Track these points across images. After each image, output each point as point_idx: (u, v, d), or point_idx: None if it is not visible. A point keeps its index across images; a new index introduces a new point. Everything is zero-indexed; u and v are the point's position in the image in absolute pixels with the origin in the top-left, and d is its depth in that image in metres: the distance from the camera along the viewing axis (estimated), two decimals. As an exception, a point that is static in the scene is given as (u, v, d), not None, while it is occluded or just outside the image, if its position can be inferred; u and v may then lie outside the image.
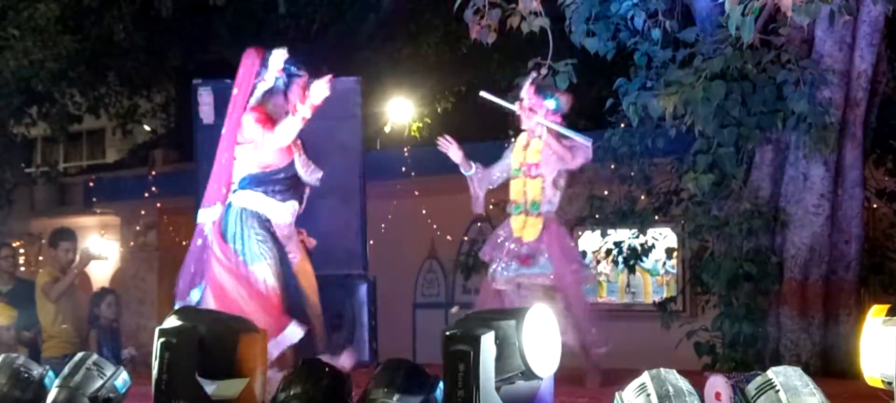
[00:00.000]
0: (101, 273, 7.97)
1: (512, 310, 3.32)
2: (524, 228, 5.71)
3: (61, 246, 7.36)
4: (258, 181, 5.18)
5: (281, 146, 5.18)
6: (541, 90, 5.78)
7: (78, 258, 7.34)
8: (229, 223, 5.16)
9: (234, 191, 5.20)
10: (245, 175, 5.19)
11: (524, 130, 5.82)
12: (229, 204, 5.19)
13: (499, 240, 5.86)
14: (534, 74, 5.90)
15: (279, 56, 5.21)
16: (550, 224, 5.74)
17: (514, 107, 5.79)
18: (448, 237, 11.34)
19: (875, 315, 3.13)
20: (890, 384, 3.01)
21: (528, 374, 3.24)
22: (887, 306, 3.13)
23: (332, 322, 6.36)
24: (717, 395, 3.79)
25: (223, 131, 5.28)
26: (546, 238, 5.70)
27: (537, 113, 5.69)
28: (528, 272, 5.69)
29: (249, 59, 5.23)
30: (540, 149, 5.70)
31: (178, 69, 12.44)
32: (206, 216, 5.23)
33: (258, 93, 5.19)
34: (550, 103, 5.74)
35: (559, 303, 5.49)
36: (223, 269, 5.11)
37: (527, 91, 5.74)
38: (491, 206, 10.88)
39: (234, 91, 5.22)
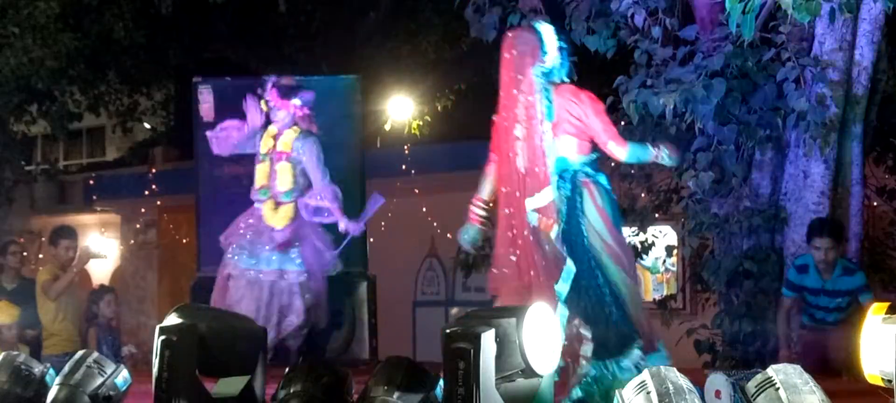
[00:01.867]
0: (101, 271, 7.96)
1: (512, 308, 3.32)
2: (276, 216, 5.84)
3: (61, 244, 7.35)
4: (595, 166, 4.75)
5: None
6: (282, 92, 5.91)
7: (77, 258, 7.33)
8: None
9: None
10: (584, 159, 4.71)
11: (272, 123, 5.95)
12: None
13: (245, 227, 5.92)
14: (274, 77, 6.01)
15: (551, 30, 4.77)
16: (308, 221, 5.93)
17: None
18: (448, 235, 11.32)
19: (875, 313, 3.13)
20: (890, 382, 3.02)
21: (528, 372, 3.24)
22: (887, 304, 3.14)
23: (333, 320, 6.37)
24: (717, 393, 3.81)
25: (523, 113, 4.70)
26: (298, 232, 5.87)
27: (286, 111, 5.88)
28: (273, 267, 5.80)
29: (528, 38, 4.72)
30: (291, 140, 5.87)
31: (177, 67, 12.46)
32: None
33: (538, 72, 4.68)
34: (296, 101, 5.92)
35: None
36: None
37: (269, 93, 5.90)
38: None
39: (519, 77, 4.69)
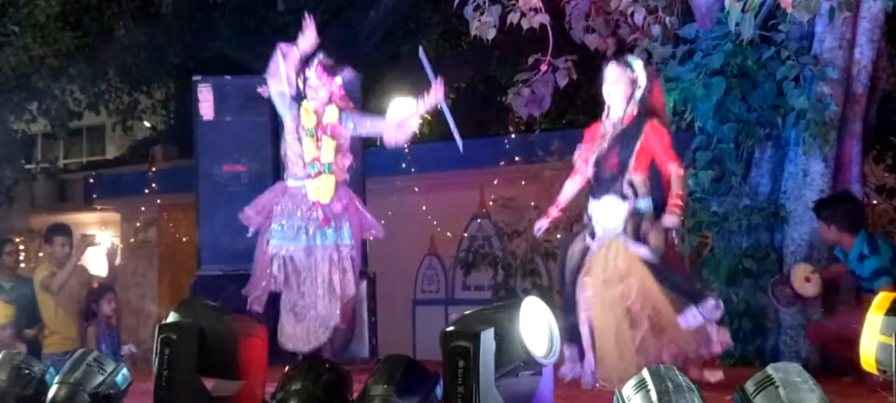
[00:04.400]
0: (100, 270, 7.95)
1: (508, 303, 3.33)
2: (319, 190, 5.79)
3: (57, 241, 7.36)
4: None
5: None
6: (327, 69, 5.91)
7: (74, 250, 7.34)
8: None
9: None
10: None
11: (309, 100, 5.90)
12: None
13: (282, 204, 5.87)
14: (320, 55, 5.95)
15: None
16: (349, 192, 5.95)
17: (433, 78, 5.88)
18: (448, 233, 11.35)
19: (876, 311, 3.14)
20: (889, 376, 3.02)
21: (530, 362, 3.25)
22: (888, 302, 3.14)
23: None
24: (808, 279, 3.96)
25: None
26: (347, 205, 5.86)
27: (326, 89, 5.87)
28: (329, 242, 5.78)
29: None
30: (335, 115, 5.87)
31: (177, 65, 12.45)
32: None
33: None
34: (338, 80, 5.94)
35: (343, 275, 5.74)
36: None
37: (315, 70, 5.86)
38: (491, 202, 10.93)
39: None
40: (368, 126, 6.01)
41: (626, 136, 5.03)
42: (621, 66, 5.10)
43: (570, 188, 5.39)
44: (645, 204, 5.06)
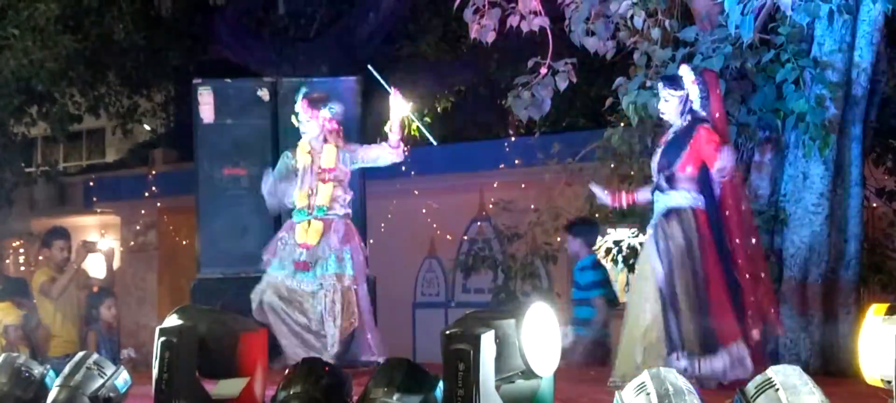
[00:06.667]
0: (100, 274, 7.95)
1: (511, 309, 3.32)
2: (308, 233, 5.91)
3: (55, 244, 7.36)
4: None
5: None
6: (313, 103, 6.00)
7: (74, 255, 7.34)
8: None
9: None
10: None
11: (302, 132, 6.04)
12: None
13: (285, 238, 6.03)
14: (304, 90, 6.11)
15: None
16: (350, 226, 6.08)
17: (391, 90, 6.17)
18: (448, 236, 11.35)
19: (875, 313, 3.13)
20: (889, 383, 3.02)
21: (528, 373, 3.24)
22: (887, 304, 3.14)
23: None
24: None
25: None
26: (348, 239, 6.01)
27: (316, 122, 5.98)
28: (329, 272, 5.91)
29: None
30: (333, 158, 5.99)
31: (177, 68, 12.44)
32: None
33: None
34: (326, 112, 6.03)
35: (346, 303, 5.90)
36: None
37: (301, 105, 5.99)
38: (491, 205, 10.94)
39: None
40: (367, 156, 6.17)
41: (678, 140, 5.34)
42: (671, 87, 5.40)
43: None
44: (690, 198, 5.29)
